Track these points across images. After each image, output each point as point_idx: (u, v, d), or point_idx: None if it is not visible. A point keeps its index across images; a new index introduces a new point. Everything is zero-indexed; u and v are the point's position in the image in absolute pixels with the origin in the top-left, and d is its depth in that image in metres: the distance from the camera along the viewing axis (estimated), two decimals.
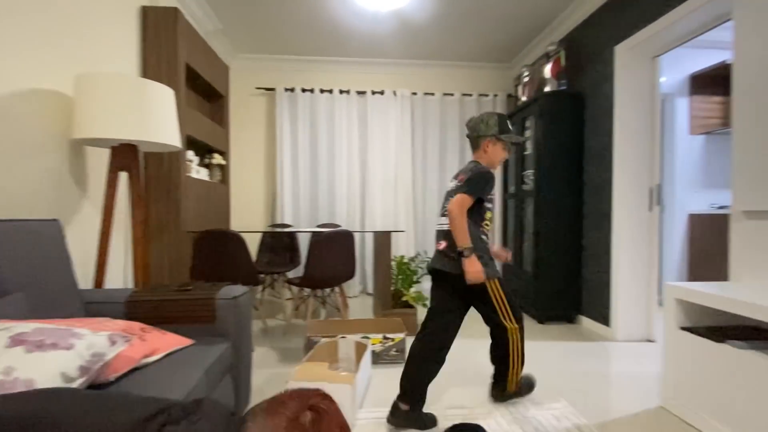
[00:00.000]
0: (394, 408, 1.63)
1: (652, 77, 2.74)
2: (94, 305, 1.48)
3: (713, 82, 3.64)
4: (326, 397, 0.66)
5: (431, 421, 1.63)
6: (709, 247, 3.51)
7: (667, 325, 1.80)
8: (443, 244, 1.69)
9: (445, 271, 1.66)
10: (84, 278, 1.92)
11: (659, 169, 2.79)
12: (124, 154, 1.79)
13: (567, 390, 1.99)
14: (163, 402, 0.64)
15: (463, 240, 1.58)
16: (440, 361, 1.67)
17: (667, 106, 3.72)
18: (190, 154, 2.71)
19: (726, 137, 3.69)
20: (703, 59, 3.65)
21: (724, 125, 3.58)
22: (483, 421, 1.66)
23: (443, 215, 1.73)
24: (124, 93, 1.62)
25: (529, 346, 2.64)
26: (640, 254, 2.77)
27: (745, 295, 1.54)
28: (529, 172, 3.44)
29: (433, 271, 1.74)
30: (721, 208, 3.59)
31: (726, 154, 3.71)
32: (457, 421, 1.63)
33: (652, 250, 2.78)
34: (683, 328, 1.74)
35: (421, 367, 1.65)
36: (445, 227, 1.68)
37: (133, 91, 1.64)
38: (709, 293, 1.60)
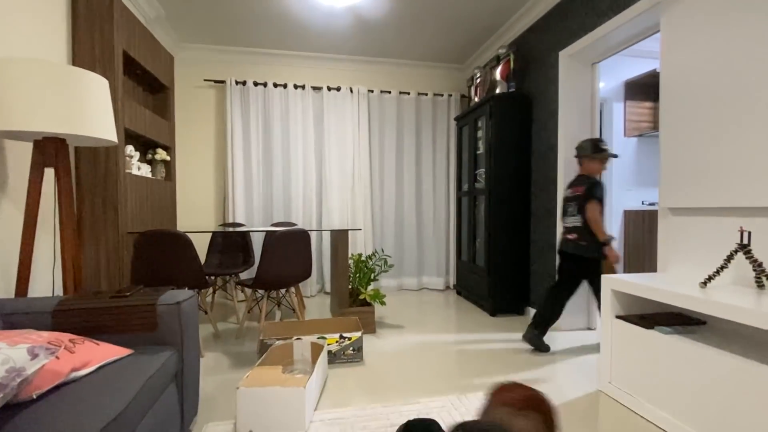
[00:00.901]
0: (529, 330, 2.50)
1: (591, 82, 2.93)
2: (15, 316, 1.34)
3: (645, 88, 3.96)
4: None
5: (547, 347, 2.49)
6: (641, 241, 3.82)
7: (604, 314, 1.94)
8: (574, 236, 2.43)
9: (576, 254, 2.41)
10: (5, 287, 1.73)
11: None
12: (50, 149, 1.63)
13: (516, 380, 2.08)
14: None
15: (603, 234, 2.32)
16: (560, 311, 2.46)
17: (604, 110, 3.99)
18: (130, 149, 2.53)
19: (656, 139, 4.03)
20: (636, 67, 3.96)
21: (654, 128, 3.90)
22: (437, 415, 1.70)
23: (570, 216, 2.47)
24: (48, 81, 1.47)
25: (481, 337, 2.74)
26: None
27: (670, 284, 1.68)
28: (482, 171, 3.56)
29: (563, 253, 2.50)
30: (651, 204, 3.92)
31: (656, 155, 4.05)
32: (412, 417, 1.66)
33: None
34: (618, 317, 1.88)
35: (548, 309, 2.45)
36: (573, 224, 2.44)
37: (58, 79, 1.49)
38: (639, 284, 1.74)
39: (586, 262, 2.40)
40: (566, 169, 2.91)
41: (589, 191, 2.35)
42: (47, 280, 2.02)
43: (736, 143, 1.67)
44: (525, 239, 3.39)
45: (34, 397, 0.97)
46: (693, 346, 1.50)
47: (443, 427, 1.53)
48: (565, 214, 2.55)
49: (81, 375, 1.10)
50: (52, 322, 1.34)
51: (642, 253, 3.80)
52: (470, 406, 1.78)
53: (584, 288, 2.97)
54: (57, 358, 1.05)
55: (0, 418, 0.89)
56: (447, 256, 4.53)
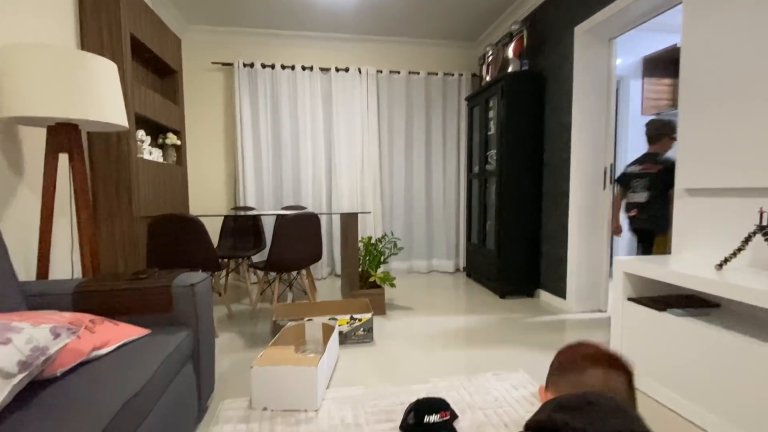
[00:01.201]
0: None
1: (608, 59, 2.83)
2: (37, 298, 1.38)
3: (664, 64, 3.81)
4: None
5: None
6: None
7: (615, 296, 1.93)
8: (634, 212, 2.68)
9: (636, 227, 2.71)
10: (27, 270, 1.79)
11: (613, 149, 2.92)
12: (63, 135, 1.65)
13: (525, 360, 2.10)
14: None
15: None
16: None
17: (621, 87, 3.86)
18: (141, 134, 2.55)
19: (674, 118, 3.90)
20: (655, 42, 3.80)
21: (673, 106, 3.77)
22: (446, 394, 1.72)
23: (634, 192, 2.66)
24: (59, 66, 1.48)
25: (489, 319, 2.76)
26: (594, 231, 2.92)
27: (683, 267, 1.66)
28: (493, 152, 3.51)
29: (639, 230, 2.73)
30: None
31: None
32: (421, 395, 1.69)
33: (605, 227, 2.93)
34: (630, 299, 1.87)
35: None
36: (637, 200, 2.64)
37: (68, 64, 1.50)
38: (651, 266, 1.71)
39: (641, 232, 2.68)
40: (580, 149, 2.85)
41: (669, 175, 2.49)
42: (67, 263, 2.08)
43: (760, 121, 1.61)
44: (536, 221, 3.36)
45: (58, 374, 1.01)
46: (705, 329, 1.48)
47: (452, 405, 1.56)
48: (628, 189, 2.71)
49: (101, 354, 1.14)
50: (73, 303, 1.39)
51: None
52: (479, 385, 1.80)
53: (597, 268, 2.94)
54: (78, 337, 1.09)
55: (27, 394, 0.93)
56: (457, 239, 4.53)
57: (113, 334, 1.21)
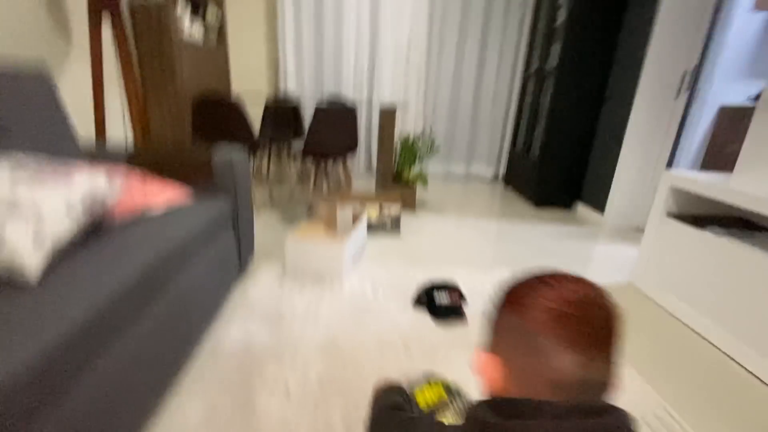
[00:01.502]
0: None
1: None
2: (95, 158, 1.53)
3: None
4: None
5: None
6: (734, 146, 3.34)
7: (655, 209, 1.84)
8: None
9: None
10: (86, 133, 1.95)
11: (702, 51, 2.49)
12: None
13: (546, 264, 2.15)
14: None
15: None
16: None
17: None
18: (180, 8, 2.47)
19: None
20: None
21: None
22: (461, 282, 1.83)
23: None
24: None
25: (520, 225, 2.77)
26: (654, 144, 2.67)
27: (737, 185, 1.52)
28: (557, 47, 3.11)
29: None
30: (756, 99, 3.29)
31: None
32: (436, 280, 1.81)
33: (667, 141, 2.67)
34: (670, 214, 1.78)
35: None
36: None
37: None
38: (699, 180, 1.58)
39: None
40: (660, 46, 2.45)
41: None
42: (120, 132, 2.25)
43: None
44: (590, 128, 3.10)
45: (117, 225, 1.16)
46: (746, 251, 1.41)
47: (463, 290, 1.67)
48: None
49: (152, 212, 1.29)
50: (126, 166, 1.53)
51: (729, 156, 3.35)
52: (494, 278, 1.89)
53: (647, 184, 2.77)
54: (132, 189, 1.22)
55: (88, 240, 1.09)
56: (501, 144, 4.33)
57: (162, 192, 1.35)
